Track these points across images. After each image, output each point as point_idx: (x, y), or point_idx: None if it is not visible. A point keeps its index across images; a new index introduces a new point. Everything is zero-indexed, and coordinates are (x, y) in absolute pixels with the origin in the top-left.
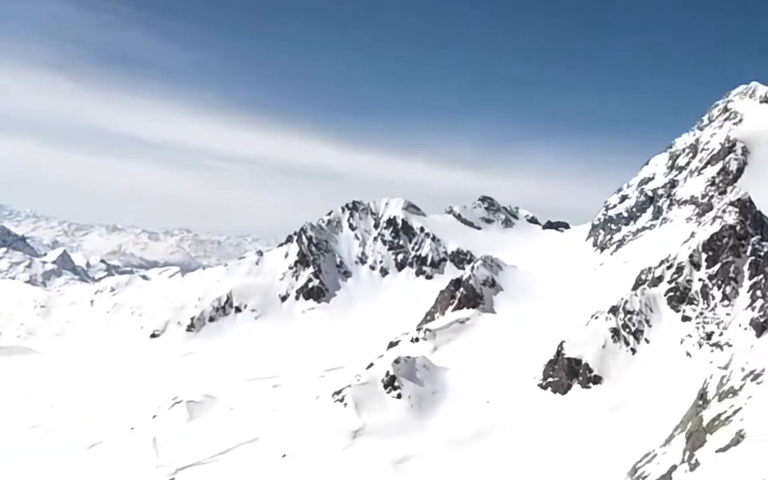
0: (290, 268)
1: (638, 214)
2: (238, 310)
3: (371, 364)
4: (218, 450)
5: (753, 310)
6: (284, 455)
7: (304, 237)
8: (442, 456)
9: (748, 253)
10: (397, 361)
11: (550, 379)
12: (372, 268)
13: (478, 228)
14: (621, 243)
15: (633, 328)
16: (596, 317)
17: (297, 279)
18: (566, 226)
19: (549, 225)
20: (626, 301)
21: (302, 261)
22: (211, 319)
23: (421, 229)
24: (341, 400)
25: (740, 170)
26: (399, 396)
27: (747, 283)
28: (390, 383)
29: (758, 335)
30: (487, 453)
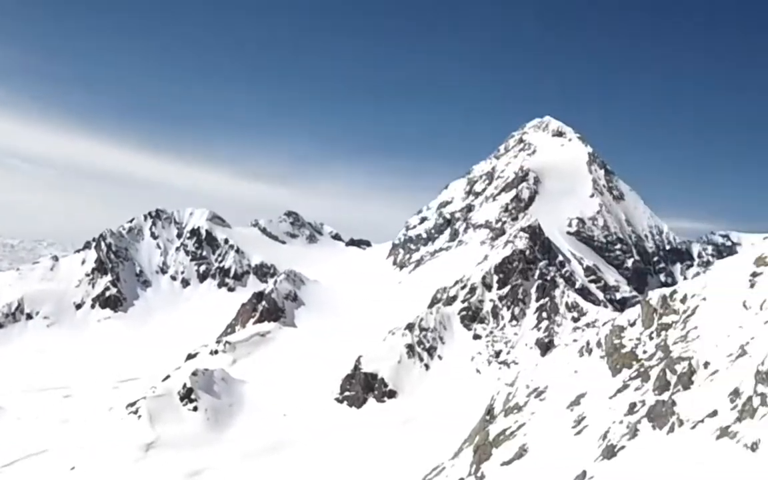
0: (87, 275)
1: (436, 235)
2: (29, 316)
3: (168, 376)
4: (2, 462)
5: (538, 330)
6: (73, 468)
7: (103, 244)
8: (237, 468)
9: (535, 277)
10: (194, 374)
11: (347, 393)
12: (173, 278)
13: (283, 242)
14: (419, 262)
15: (427, 345)
16: (393, 333)
17: (94, 287)
18: (368, 243)
19: (352, 242)
20: (422, 319)
21: (100, 268)
22: (0, 326)
23: (226, 241)
24: (135, 412)
25: (531, 198)
26: (195, 408)
27: (534, 305)
28: (186, 396)
29: (542, 354)
30: (282, 465)
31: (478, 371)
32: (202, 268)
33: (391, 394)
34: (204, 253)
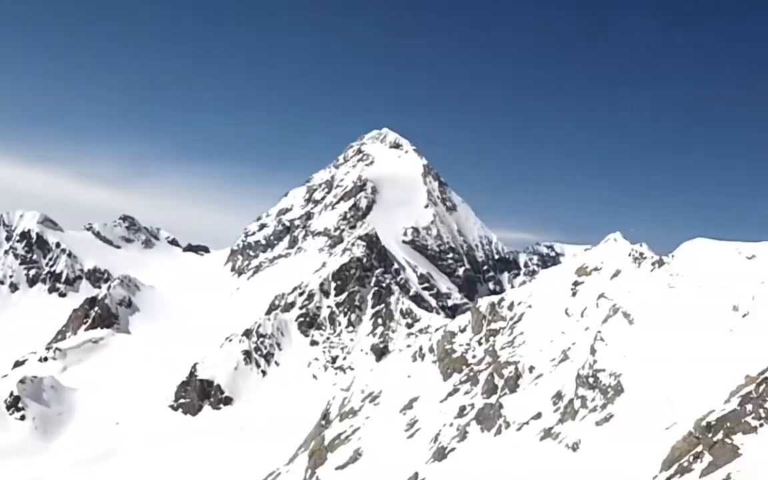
0: None
1: (275, 242)
2: None
3: None
4: None
5: (374, 336)
6: None
7: None
8: (66, 477)
9: (372, 284)
10: (22, 381)
11: (182, 400)
12: (1, 282)
13: (118, 247)
14: (258, 269)
15: (265, 351)
16: (230, 340)
17: None
18: (206, 249)
19: (189, 248)
20: (259, 325)
21: None
22: None
23: (57, 245)
24: None
25: (369, 207)
26: (23, 417)
27: (370, 312)
28: (13, 404)
29: (378, 360)
30: (113, 474)
31: (314, 377)
32: (32, 272)
33: (228, 400)
34: (34, 257)
